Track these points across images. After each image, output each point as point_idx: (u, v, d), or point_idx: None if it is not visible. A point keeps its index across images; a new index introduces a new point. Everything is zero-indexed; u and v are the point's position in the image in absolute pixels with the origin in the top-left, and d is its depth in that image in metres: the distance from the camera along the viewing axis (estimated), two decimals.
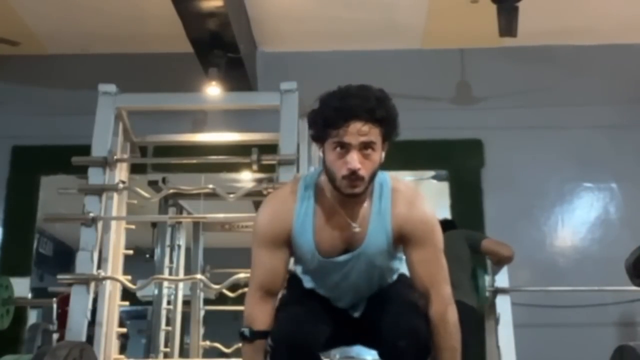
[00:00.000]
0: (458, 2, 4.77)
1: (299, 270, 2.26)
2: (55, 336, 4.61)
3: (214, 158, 4.44)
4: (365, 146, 1.96)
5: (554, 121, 5.31)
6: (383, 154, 2.03)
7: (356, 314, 2.23)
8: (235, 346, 5.42)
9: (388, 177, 2.12)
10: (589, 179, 5.29)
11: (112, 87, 3.62)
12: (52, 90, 5.54)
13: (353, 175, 1.95)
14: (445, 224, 4.30)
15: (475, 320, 4.20)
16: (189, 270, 5.66)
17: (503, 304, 4.28)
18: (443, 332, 2.04)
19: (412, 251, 2.08)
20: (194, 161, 4.47)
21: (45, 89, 5.55)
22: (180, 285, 5.64)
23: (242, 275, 3.79)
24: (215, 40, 4.65)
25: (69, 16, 5.13)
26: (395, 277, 2.25)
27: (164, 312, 5.42)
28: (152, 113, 4.39)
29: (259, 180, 4.44)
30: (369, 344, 2.26)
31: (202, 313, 5.69)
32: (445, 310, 2.05)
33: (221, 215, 4.52)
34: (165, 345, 5.35)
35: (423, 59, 5.47)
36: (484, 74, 5.44)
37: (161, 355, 5.29)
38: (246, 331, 2.08)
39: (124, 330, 3.70)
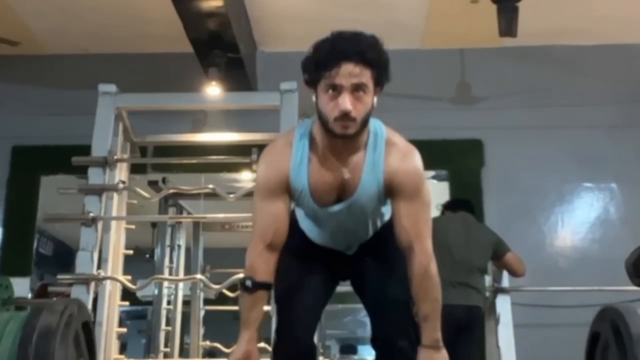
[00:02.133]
0: (458, 2, 4.77)
1: (299, 214, 2.28)
2: None
3: (214, 158, 4.44)
4: (357, 88, 1.98)
5: (554, 121, 5.31)
6: (375, 99, 2.05)
7: (349, 252, 2.29)
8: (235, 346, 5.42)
9: (383, 127, 2.14)
10: (589, 179, 5.30)
11: (112, 87, 3.62)
12: (52, 90, 5.54)
13: (345, 117, 1.98)
14: (465, 204, 4.29)
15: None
16: (189, 270, 5.66)
17: (503, 304, 4.28)
18: (425, 284, 2.07)
19: (400, 204, 2.10)
20: (194, 161, 4.47)
21: (45, 89, 5.55)
22: (180, 285, 5.64)
23: (242, 275, 3.79)
24: (215, 40, 4.65)
25: (69, 16, 5.13)
26: (386, 218, 2.26)
27: (164, 312, 5.43)
28: (152, 113, 4.39)
29: None
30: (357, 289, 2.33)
31: (202, 313, 5.70)
32: (428, 264, 2.07)
33: (221, 215, 4.52)
34: (165, 345, 5.35)
35: (423, 59, 5.47)
36: (484, 74, 5.45)
37: (161, 355, 5.29)
38: (248, 281, 2.09)
39: (124, 330, 3.70)
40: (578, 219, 5.24)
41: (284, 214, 2.12)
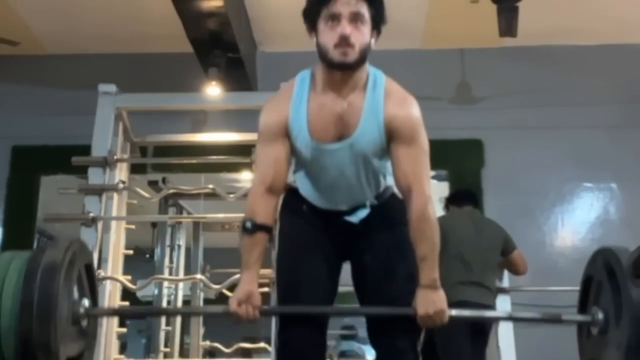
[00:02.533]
0: (458, 2, 4.77)
1: (300, 176, 2.27)
2: None
3: (214, 158, 4.44)
4: (355, 17, 2.06)
5: (554, 121, 5.31)
6: (373, 41, 2.13)
7: (354, 219, 2.24)
8: (235, 346, 5.42)
9: (382, 73, 2.19)
10: (589, 179, 5.30)
11: (112, 87, 3.62)
12: (52, 90, 5.54)
13: (344, 42, 2.05)
14: (470, 197, 4.23)
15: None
16: (189, 270, 5.67)
17: (503, 304, 4.28)
18: (422, 226, 2.10)
19: (399, 147, 2.13)
20: (194, 161, 4.48)
21: (45, 89, 5.55)
22: (180, 285, 5.64)
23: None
24: (215, 40, 4.65)
25: (69, 16, 5.13)
26: (389, 181, 2.26)
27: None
28: (152, 113, 4.39)
29: None
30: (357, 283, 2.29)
31: None
32: (425, 206, 2.10)
33: (221, 215, 4.52)
34: (165, 345, 5.35)
35: (423, 59, 5.47)
36: (484, 74, 5.45)
37: (161, 355, 5.29)
38: (248, 223, 2.12)
39: (124, 330, 3.70)
40: (578, 219, 5.24)
41: (284, 157, 2.17)
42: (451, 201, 4.25)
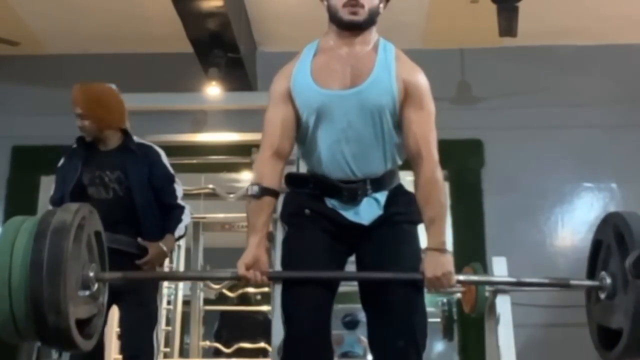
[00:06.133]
0: (458, 2, 4.77)
1: (306, 148, 2.24)
2: None
3: (214, 158, 4.45)
4: None
5: (554, 121, 5.31)
6: (382, 7, 2.20)
7: (364, 221, 2.19)
8: (236, 346, 5.43)
9: (391, 43, 2.23)
10: (589, 179, 5.30)
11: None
12: (52, 90, 5.53)
13: (353, 1, 2.10)
14: None
15: None
16: (189, 270, 5.66)
17: (503, 304, 4.27)
18: (430, 187, 2.14)
19: (410, 110, 2.18)
20: (194, 161, 4.48)
21: (45, 89, 5.54)
22: (180, 285, 5.64)
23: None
24: (215, 40, 4.66)
25: (69, 16, 5.13)
26: (398, 159, 2.26)
27: (163, 312, 5.42)
28: (152, 113, 4.39)
29: None
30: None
31: (202, 313, 5.70)
32: (434, 169, 2.16)
33: (221, 215, 4.53)
34: (165, 345, 5.35)
35: (423, 59, 5.42)
36: (484, 74, 5.44)
37: (161, 355, 5.29)
38: (255, 187, 2.14)
39: None
40: (578, 219, 5.24)
41: (291, 120, 2.18)
42: None
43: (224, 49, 4.76)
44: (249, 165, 3.73)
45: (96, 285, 2.21)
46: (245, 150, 3.67)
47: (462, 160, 5.22)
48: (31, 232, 2.04)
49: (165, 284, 5.46)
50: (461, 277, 2.18)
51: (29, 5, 5.04)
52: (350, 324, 7.87)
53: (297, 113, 2.18)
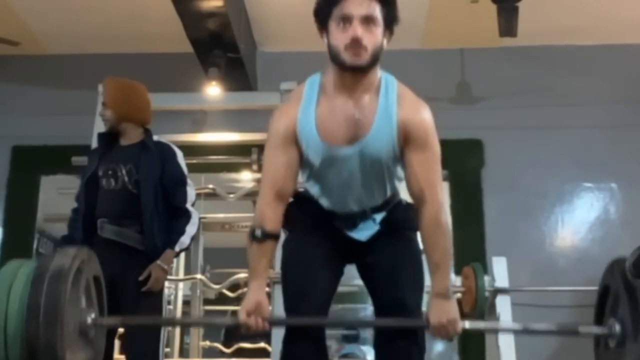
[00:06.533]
0: (458, 2, 4.77)
1: (309, 182, 2.26)
2: None
3: (214, 158, 4.45)
4: (367, 20, 2.04)
5: (554, 121, 5.31)
6: (385, 41, 2.10)
7: (362, 237, 2.22)
8: (236, 346, 5.42)
9: (393, 78, 2.18)
10: (589, 179, 5.29)
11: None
12: (52, 90, 5.53)
13: (356, 44, 2.02)
14: None
15: None
16: (189, 270, 5.66)
17: (503, 304, 4.28)
18: (435, 233, 2.10)
19: (412, 152, 2.13)
20: (194, 161, 4.47)
21: (45, 89, 5.54)
22: (180, 285, 5.64)
23: (242, 275, 3.80)
24: (215, 40, 4.65)
25: (69, 16, 5.13)
26: (397, 181, 2.25)
27: (164, 312, 5.42)
28: (152, 113, 4.38)
29: (259, 180, 4.44)
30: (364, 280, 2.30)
31: (202, 313, 5.70)
32: (438, 213, 2.11)
33: (221, 215, 4.53)
34: (166, 345, 5.35)
35: (423, 59, 5.47)
36: (484, 74, 5.44)
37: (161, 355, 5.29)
38: (258, 231, 2.11)
39: (123, 330, 3.69)
40: (578, 219, 5.24)
41: (293, 163, 2.15)
42: None
43: (224, 49, 4.76)
44: (249, 165, 3.73)
45: (94, 331, 2.18)
46: (245, 150, 3.67)
47: (462, 160, 5.21)
48: (28, 276, 2.01)
49: (166, 283, 5.45)
50: (467, 325, 2.16)
51: (29, 5, 5.04)
52: (351, 338, 7.93)
53: (300, 154, 2.16)
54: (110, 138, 3.17)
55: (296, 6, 5.01)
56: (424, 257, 2.20)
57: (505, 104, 5.34)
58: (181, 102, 4.09)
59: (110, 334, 3.06)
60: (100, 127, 3.58)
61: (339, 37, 2.05)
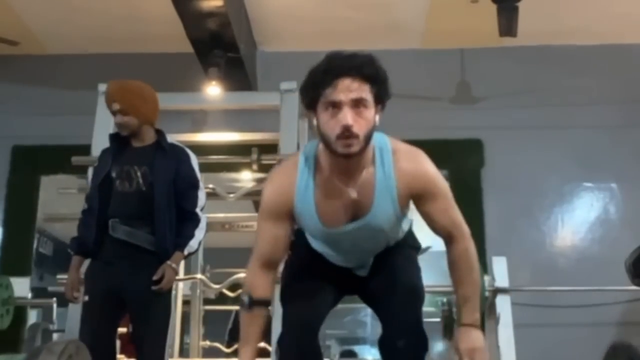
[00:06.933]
0: (458, 2, 4.77)
1: (307, 233, 2.27)
2: (55, 335, 4.61)
3: (214, 158, 4.44)
4: (357, 104, 1.94)
5: (554, 121, 5.31)
6: (377, 117, 2.00)
7: (362, 273, 2.26)
8: (235, 346, 5.41)
9: (387, 139, 2.11)
10: (589, 179, 5.30)
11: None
12: (52, 90, 5.54)
13: (347, 132, 1.92)
14: None
15: None
16: (189, 270, 5.65)
17: (503, 304, 4.28)
18: (465, 266, 2.11)
19: (427, 205, 2.10)
20: None
21: (45, 89, 5.55)
22: (180, 285, 5.63)
23: (242, 275, 3.78)
24: (215, 40, 4.66)
25: (69, 16, 5.13)
26: (403, 233, 2.28)
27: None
28: None
29: (259, 180, 4.44)
30: (369, 302, 2.33)
31: (202, 313, 5.69)
32: (467, 246, 2.12)
33: (221, 215, 4.52)
34: None
35: (423, 59, 5.47)
36: (484, 74, 5.45)
37: None
38: (245, 299, 2.11)
39: (124, 329, 3.70)
40: (578, 219, 5.24)
41: (284, 238, 2.13)
42: None
43: (224, 49, 4.76)
44: (249, 165, 3.72)
45: None
46: (245, 150, 3.67)
47: (462, 160, 5.22)
48: None
49: None
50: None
51: (29, 5, 5.04)
52: (348, 353, 7.98)
53: (291, 227, 2.15)
54: (121, 138, 3.16)
55: (296, 6, 5.02)
56: (423, 257, 2.23)
57: (505, 104, 5.35)
58: (181, 102, 4.08)
59: (112, 332, 3.06)
60: (100, 127, 3.58)
61: (329, 125, 1.94)
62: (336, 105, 1.93)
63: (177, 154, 3.15)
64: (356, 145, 1.95)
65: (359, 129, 1.94)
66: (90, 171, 3.51)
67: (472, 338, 2.08)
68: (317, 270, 2.25)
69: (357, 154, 1.98)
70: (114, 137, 3.20)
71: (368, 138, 1.98)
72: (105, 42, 5.44)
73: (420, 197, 2.09)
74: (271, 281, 2.15)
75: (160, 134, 3.20)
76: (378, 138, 2.08)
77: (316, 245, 2.27)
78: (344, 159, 1.99)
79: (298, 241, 2.30)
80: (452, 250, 2.12)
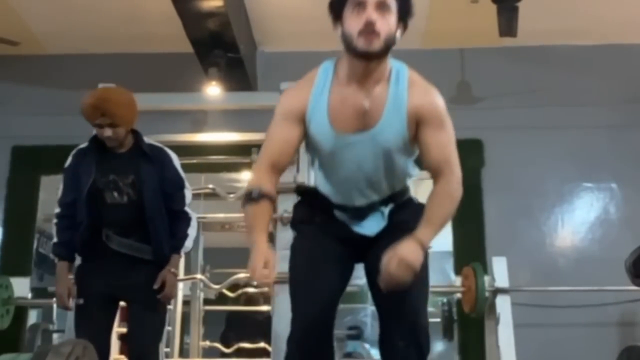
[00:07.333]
0: (458, 2, 4.77)
1: (318, 170, 2.27)
2: (55, 336, 4.61)
3: (214, 158, 4.45)
4: (381, 6, 2.05)
5: (554, 121, 5.31)
6: (399, 33, 2.11)
7: (369, 231, 2.23)
8: (235, 346, 5.42)
9: (406, 67, 2.18)
10: (589, 179, 5.30)
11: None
12: (52, 90, 5.54)
13: (369, 28, 2.03)
14: None
15: None
16: (189, 270, 5.65)
17: (503, 304, 4.28)
18: (443, 200, 2.14)
19: (428, 134, 2.13)
20: (194, 161, 4.47)
21: (45, 89, 5.55)
22: (180, 285, 5.63)
23: (242, 275, 3.79)
24: (215, 40, 4.66)
25: (69, 16, 5.13)
26: (407, 177, 2.26)
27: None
28: (152, 113, 4.38)
29: None
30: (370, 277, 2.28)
31: (202, 313, 5.70)
32: (453, 188, 2.15)
33: (221, 215, 4.53)
34: (166, 345, 5.34)
35: (423, 59, 5.43)
36: (484, 74, 5.44)
37: (161, 355, 5.28)
38: (255, 191, 2.11)
39: (124, 330, 3.70)
40: (578, 219, 5.24)
41: (294, 140, 2.18)
42: None
43: (224, 49, 4.76)
44: (249, 165, 3.73)
45: None
46: (245, 150, 3.67)
47: (462, 160, 5.17)
48: None
49: None
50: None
51: (29, 5, 5.04)
52: (354, 336, 7.93)
53: (302, 134, 2.18)
54: (102, 142, 3.09)
55: (296, 6, 5.02)
56: (428, 258, 2.18)
57: (505, 104, 5.35)
58: (181, 102, 4.09)
59: (108, 335, 3.06)
60: None
61: (353, 23, 2.06)
62: (361, 5, 2.05)
63: (160, 157, 3.11)
64: (376, 44, 2.05)
65: (381, 27, 2.04)
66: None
67: (407, 250, 2.03)
68: (322, 252, 2.22)
69: (376, 54, 2.06)
70: (94, 141, 3.13)
71: (388, 43, 2.07)
72: (105, 42, 5.44)
73: (425, 123, 2.12)
74: (275, 182, 2.18)
75: (136, 135, 3.15)
76: (397, 63, 2.17)
77: (322, 178, 2.25)
78: (363, 60, 2.07)
79: (302, 228, 2.30)
80: (436, 186, 2.14)
